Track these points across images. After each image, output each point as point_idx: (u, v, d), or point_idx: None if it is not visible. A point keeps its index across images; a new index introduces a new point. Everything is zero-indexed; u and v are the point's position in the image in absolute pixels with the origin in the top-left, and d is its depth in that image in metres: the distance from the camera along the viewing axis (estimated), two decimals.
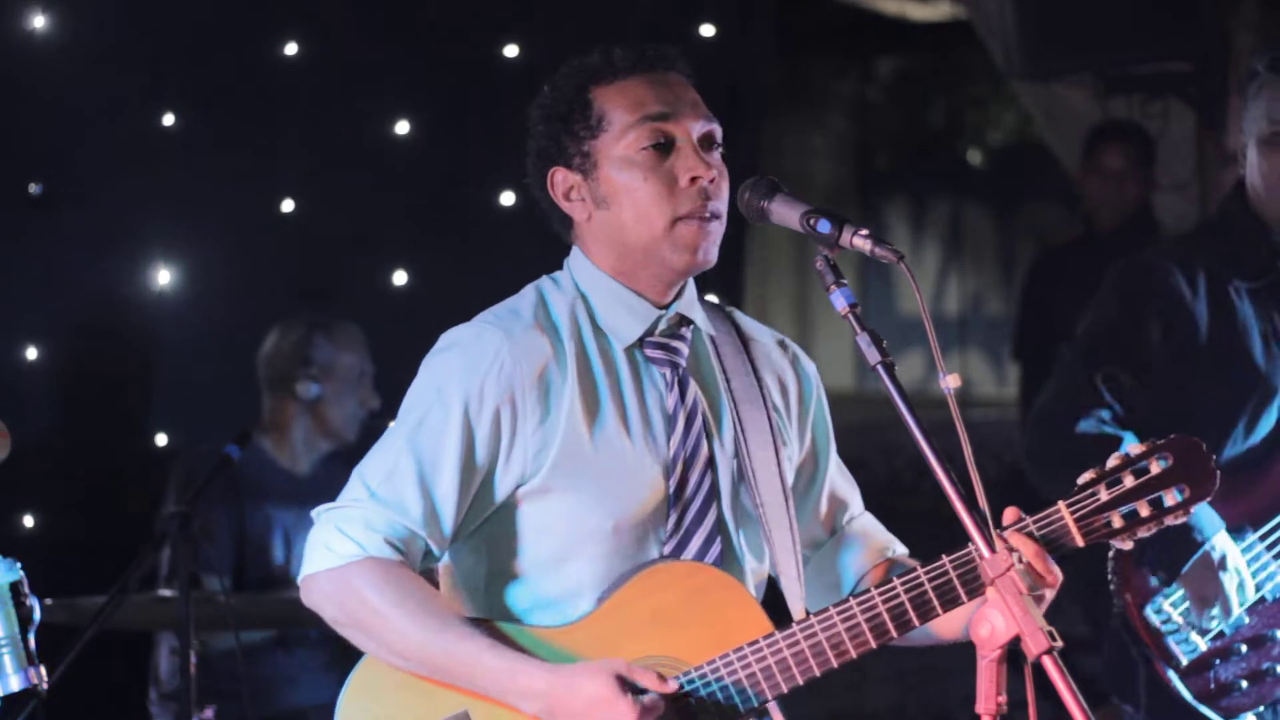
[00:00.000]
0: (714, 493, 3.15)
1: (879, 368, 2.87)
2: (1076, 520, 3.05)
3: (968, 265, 16.78)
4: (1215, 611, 4.13)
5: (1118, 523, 3.06)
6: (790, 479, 3.23)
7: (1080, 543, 3.05)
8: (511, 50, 6.42)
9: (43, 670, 3.30)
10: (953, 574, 3.04)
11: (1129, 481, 3.06)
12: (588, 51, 3.23)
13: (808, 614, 3.07)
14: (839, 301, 2.91)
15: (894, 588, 3.04)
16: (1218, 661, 4.13)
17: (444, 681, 3.05)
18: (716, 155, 3.17)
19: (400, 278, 6.38)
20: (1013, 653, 2.72)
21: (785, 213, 3.02)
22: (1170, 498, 3.07)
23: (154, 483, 5.76)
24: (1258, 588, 4.15)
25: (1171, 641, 4.13)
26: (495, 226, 6.34)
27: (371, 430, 5.78)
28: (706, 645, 3.04)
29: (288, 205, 6.27)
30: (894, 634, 3.04)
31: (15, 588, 3.29)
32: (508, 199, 6.37)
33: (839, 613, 3.03)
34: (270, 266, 6.19)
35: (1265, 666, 4.13)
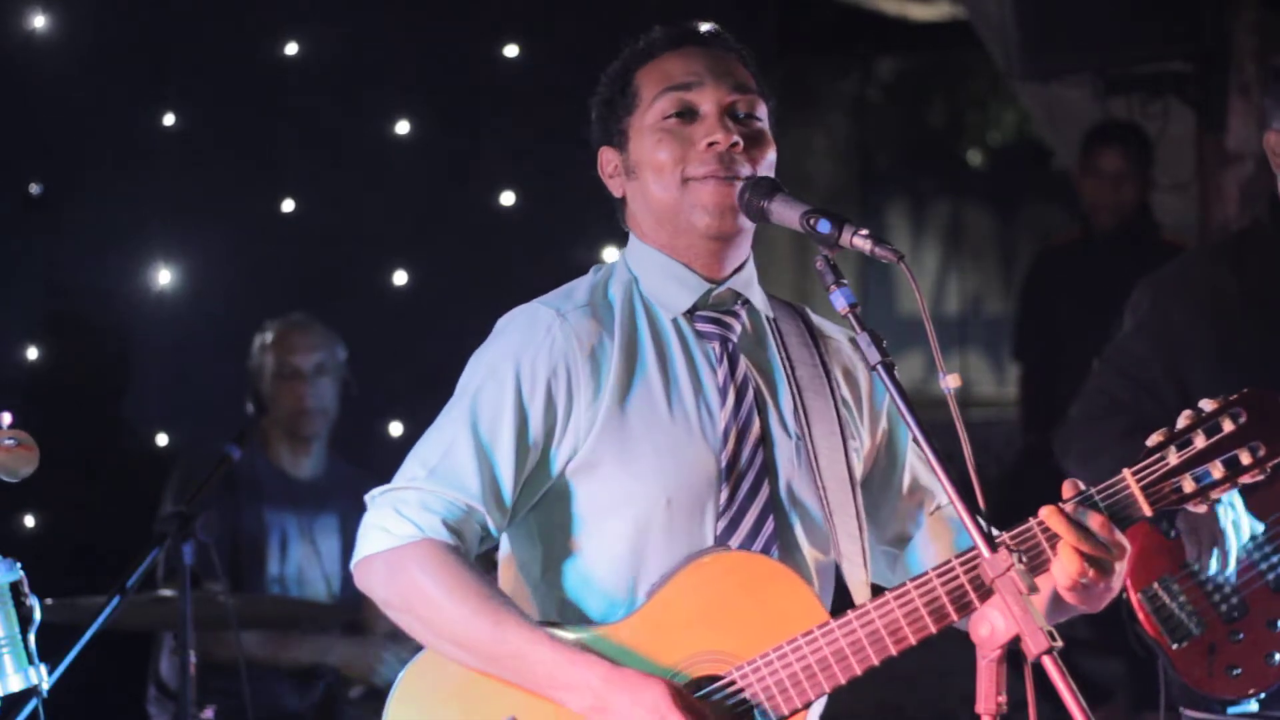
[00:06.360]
0: (766, 470, 3.11)
1: (879, 368, 2.85)
2: (1143, 488, 2.93)
3: (968, 265, 16.76)
4: (1214, 560, 4.07)
5: (1189, 487, 2.93)
6: (859, 472, 3.18)
7: (1148, 512, 2.93)
8: (511, 50, 6.43)
9: (43, 670, 3.30)
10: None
11: (1200, 442, 2.91)
12: (590, 51, 3.28)
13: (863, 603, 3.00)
14: (839, 301, 2.89)
15: (951, 566, 2.97)
16: (1213, 646, 4.12)
17: (492, 673, 2.99)
18: (754, 125, 3.16)
19: (400, 278, 6.38)
20: (1013, 653, 2.71)
21: (785, 213, 3.02)
22: (1245, 456, 2.91)
23: (154, 483, 5.76)
24: (1264, 575, 4.14)
25: (1166, 626, 4.12)
26: (495, 226, 6.34)
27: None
28: (760, 638, 2.98)
29: (288, 205, 6.28)
30: (954, 616, 2.96)
31: (15, 588, 3.29)
32: (508, 199, 6.36)
33: (895, 598, 2.96)
34: (270, 266, 6.20)
35: (1265, 654, 4.13)
